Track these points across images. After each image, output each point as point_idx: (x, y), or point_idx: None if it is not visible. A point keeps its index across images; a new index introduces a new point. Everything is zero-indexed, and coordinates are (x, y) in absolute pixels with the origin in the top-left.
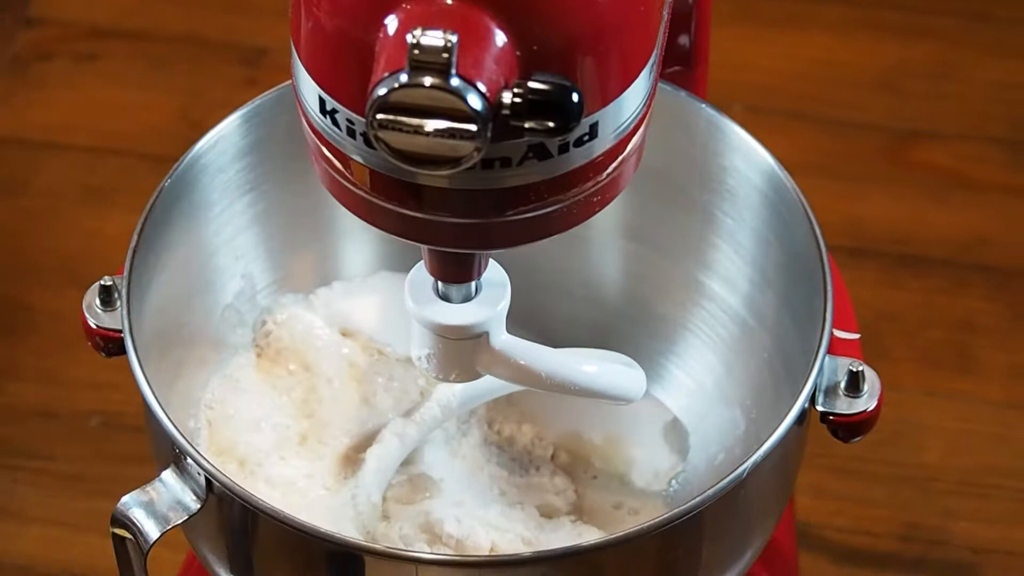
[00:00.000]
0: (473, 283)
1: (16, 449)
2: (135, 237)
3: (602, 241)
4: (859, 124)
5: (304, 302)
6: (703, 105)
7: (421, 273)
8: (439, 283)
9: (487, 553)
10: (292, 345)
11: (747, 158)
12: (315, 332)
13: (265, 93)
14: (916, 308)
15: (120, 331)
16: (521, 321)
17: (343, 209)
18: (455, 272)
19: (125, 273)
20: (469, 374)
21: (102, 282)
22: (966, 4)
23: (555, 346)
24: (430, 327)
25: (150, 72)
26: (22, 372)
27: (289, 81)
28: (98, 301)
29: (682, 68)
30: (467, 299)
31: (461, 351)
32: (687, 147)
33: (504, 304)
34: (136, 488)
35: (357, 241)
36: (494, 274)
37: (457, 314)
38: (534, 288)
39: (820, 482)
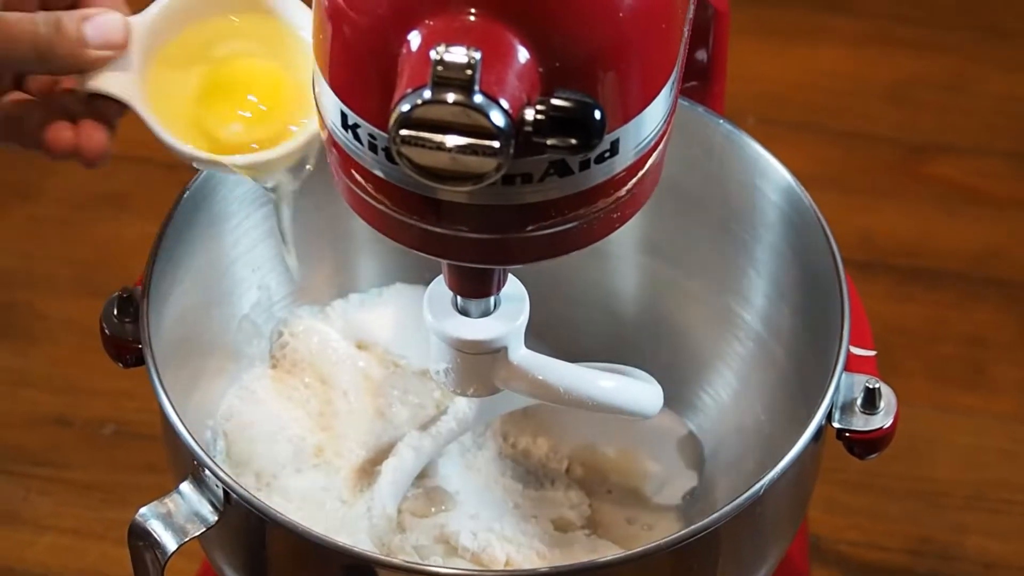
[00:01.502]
0: (492, 298)
1: (30, 457)
2: (153, 248)
3: (620, 255)
4: (871, 137)
5: (320, 314)
6: (720, 121)
7: (440, 287)
8: (458, 297)
9: (502, 567)
10: (308, 357)
11: (764, 174)
12: (331, 345)
13: None
14: (927, 322)
15: (138, 342)
16: (539, 333)
17: (360, 221)
18: (474, 287)
19: (144, 285)
20: (487, 388)
21: (120, 293)
22: (979, 18)
23: (573, 359)
24: (449, 341)
25: None
26: (36, 380)
27: None
28: (116, 312)
29: (699, 83)
30: (486, 314)
31: (479, 365)
32: (704, 162)
33: (523, 319)
34: (151, 498)
35: (373, 253)
36: (513, 289)
37: (476, 329)
38: (552, 301)
39: (832, 496)
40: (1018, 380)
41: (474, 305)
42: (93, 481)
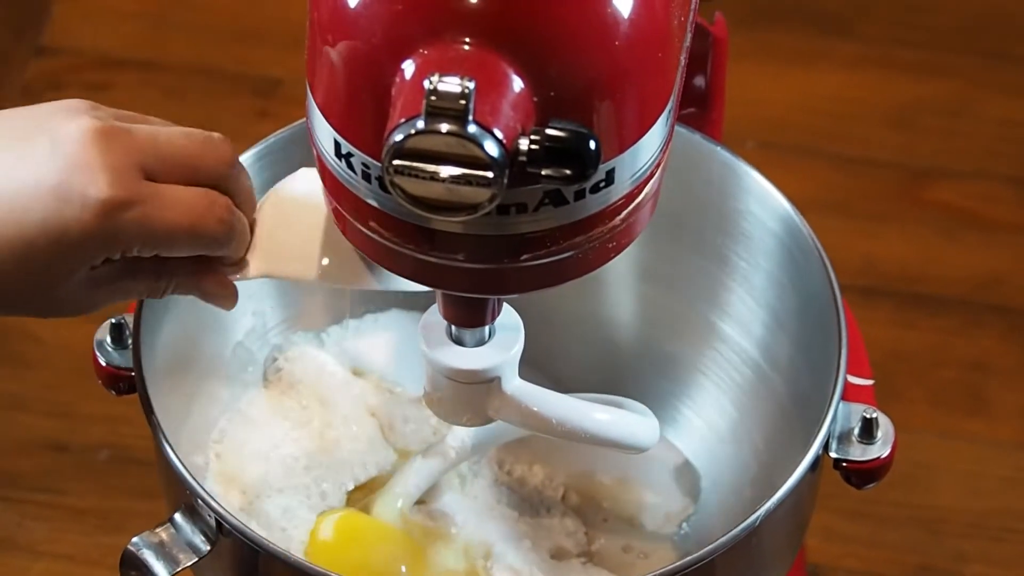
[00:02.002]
0: (487, 327)
1: (25, 482)
2: None
3: (616, 283)
4: (872, 162)
5: (315, 340)
6: (718, 148)
7: (435, 316)
8: (452, 326)
9: None
10: (303, 382)
11: (762, 202)
12: (327, 371)
13: (278, 131)
14: (928, 348)
15: (131, 370)
16: (534, 362)
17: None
18: (469, 316)
19: (136, 313)
20: (480, 418)
21: (112, 320)
22: (980, 42)
23: (568, 387)
24: (442, 371)
25: (162, 102)
26: (31, 404)
27: (302, 120)
28: (109, 339)
29: (697, 109)
30: (480, 343)
31: (473, 395)
32: (702, 190)
33: (517, 349)
34: (146, 523)
35: None
36: (508, 318)
37: (470, 358)
38: (547, 329)
39: (830, 524)
40: (1020, 407)
41: (469, 334)
42: (88, 507)
